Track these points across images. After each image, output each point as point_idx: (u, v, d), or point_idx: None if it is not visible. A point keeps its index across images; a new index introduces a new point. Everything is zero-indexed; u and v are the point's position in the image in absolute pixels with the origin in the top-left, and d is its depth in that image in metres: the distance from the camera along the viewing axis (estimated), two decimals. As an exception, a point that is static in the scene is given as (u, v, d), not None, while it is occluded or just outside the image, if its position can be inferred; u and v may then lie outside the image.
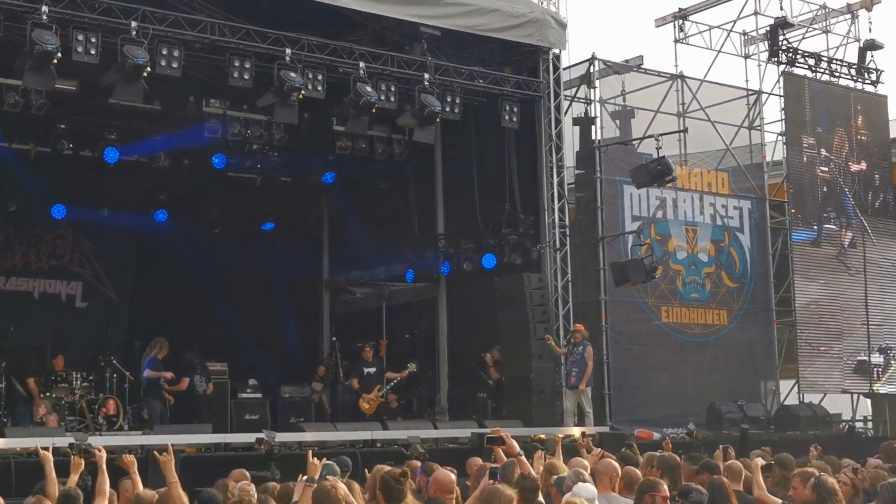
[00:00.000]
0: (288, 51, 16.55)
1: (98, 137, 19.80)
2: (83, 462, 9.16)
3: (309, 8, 16.76)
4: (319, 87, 16.87)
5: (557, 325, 18.78)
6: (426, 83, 17.68)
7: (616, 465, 9.03)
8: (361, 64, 17.20)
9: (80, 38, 14.88)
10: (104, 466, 8.73)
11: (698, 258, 21.53)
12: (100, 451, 9.01)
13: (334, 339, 21.91)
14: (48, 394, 17.52)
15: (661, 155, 18.80)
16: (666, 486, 8.01)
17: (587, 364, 18.01)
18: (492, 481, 8.69)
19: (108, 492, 8.49)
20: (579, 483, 8.08)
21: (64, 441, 13.03)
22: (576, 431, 16.92)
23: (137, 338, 20.32)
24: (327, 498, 6.59)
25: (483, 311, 19.85)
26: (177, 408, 18.90)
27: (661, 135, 19.18)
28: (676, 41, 22.59)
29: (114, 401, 17.68)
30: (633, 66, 21.94)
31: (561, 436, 16.08)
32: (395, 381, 19.51)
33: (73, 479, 8.95)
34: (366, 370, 19.64)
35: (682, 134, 20.93)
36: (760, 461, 9.64)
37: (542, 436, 14.07)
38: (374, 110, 17.39)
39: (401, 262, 22.50)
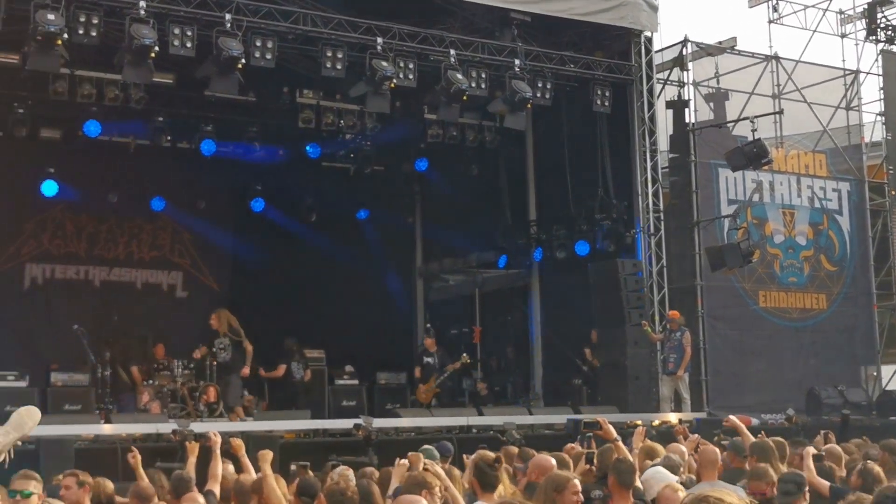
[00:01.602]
0: (379, 40, 16.65)
1: (195, 129, 20.15)
2: (197, 447, 9.39)
3: (400, -3, 16.88)
4: (411, 76, 16.94)
5: (652, 311, 18.63)
6: (517, 69, 17.66)
7: (717, 451, 8.94)
8: (452, 51, 17.24)
9: (177, 31, 15.16)
10: (218, 451, 8.93)
11: (796, 241, 21.20)
12: (215, 436, 9.23)
13: (428, 325, 22.02)
14: (151, 381, 17.90)
15: (756, 137, 18.60)
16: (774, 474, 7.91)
17: (685, 350, 17.88)
18: (588, 466, 8.72)
19: (220, 476, 8.67)
20: (652, 467, 8.07)
21: (167, 427, 13.41)
22: (672, 418, 16.83)
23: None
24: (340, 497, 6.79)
25: (577, 297, 19.78)
26: (274, 394, 19.20)
27: (757, 117, 18.97)
28: (771, 21, 22.22)
29: (214, 388, 17.93)
30: (727, 47, 21.63)
31: (657, 422, 16.12)
32: (448, 372, 19.46)
33: (191, 462, 9.18)
34: (425, 359, 19.68)
35: (777, 116, 20.62)
36: (812, 450, 9.46)
37: (639, 422, 14.03)
38: (465, 98, 17.41)
39: (493, 249, 22.54)
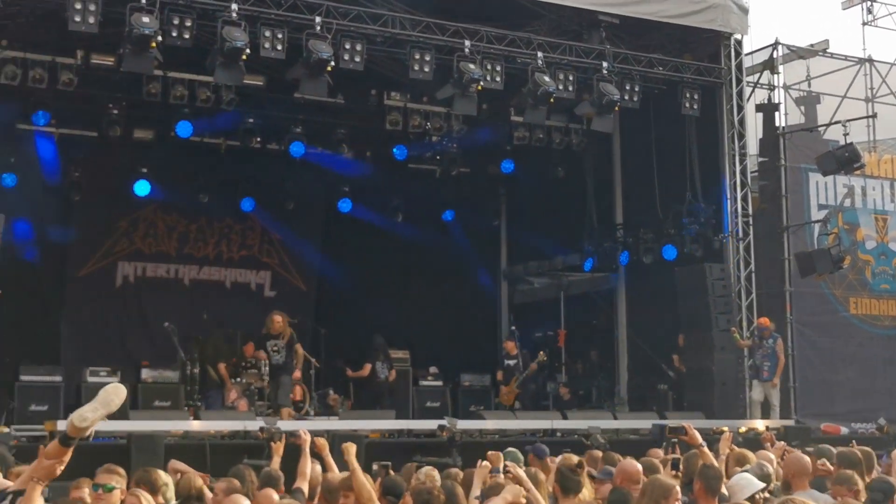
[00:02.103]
0: (467, 42, 16.70)
1: (284, 131, 20.39)
2: (283, 447, 9.51)
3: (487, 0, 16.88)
4: (498, 78, 16.96)
5: (740, 317, 18.42)
6: (604, 72, 17.58)
7: (808, 459, 8.80)
8: (539, 54, 17.21)
9: (268, 34, 15.37)
10: (307, 450, 9.04)
11: (888, 248, 20.80)
12: (304, 434, 9.34)
13: (513, 328, 22.00)
14: (238, 379, 18.15)
15: (848, 141, 18.29)
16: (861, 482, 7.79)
17: (779, 357, 17.67)
18: (674, 472, 8.65)
19: (308, 473, 8.77)
20: (740, 473, 7.97)
21: (255, 425, 13.61)
22: (759, 424, 16.62)
23: (324, 326, 20.87)
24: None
25: (663, 301, 19.63)
26: (359, 394, 19.34)
27: (849, 121, 18.65)
28: (864, 24, 21.82)
29: (300, 387, 18.15)
30: (819, 50, 21.28)
31: (743, 429, 15.94)
32: (529, 373, 19.40)
33: (276, 461, 9.30)
34: (507, 362, 19.66)
35: (870, 119, 20.23)
36: None
37: (725, 428, 13.88)
38: (552, 100, 17.38)
39: (579, 252, 22.45)
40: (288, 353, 16.84)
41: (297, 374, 17.59)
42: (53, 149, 19.58)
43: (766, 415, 17.62)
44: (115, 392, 5.22)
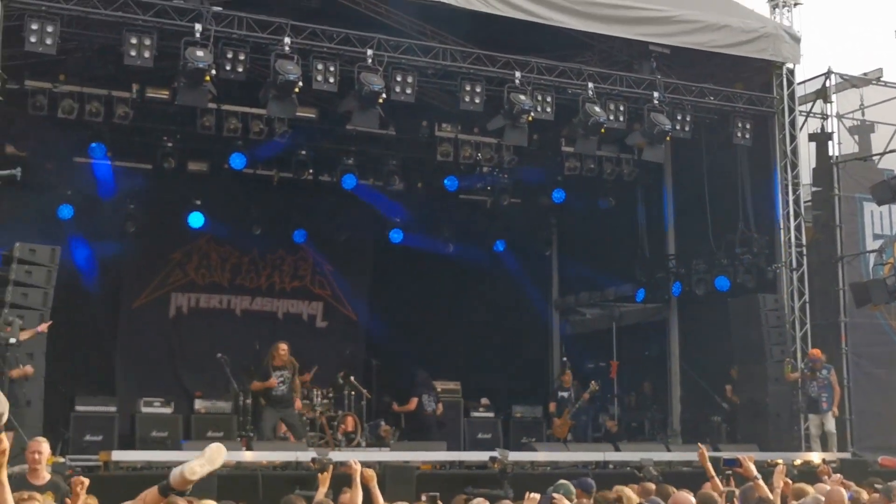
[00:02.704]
0: (517, 74, 16.77)
1: (336, 163, 20.53)
2: (329, 478, 9.53)
3: (538, 31, 16.93)
4: (548, 109, 17.01)
5: (794, 348, 18.24)
6: (655, 102, 17.57)
7: (843, 492, 8.70)
8: (590, 84, 17.25)
9: (320, 67, 15.53)
10: (358, 479, 9.05)
11: (945, 278, 20.48)
12: (355, 464, 9.36)
13: (564, 359, 21.93)
14: (290, 410, 18.20)
15: (903, 170, 18.12)
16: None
17: (834, 388, 17.49)
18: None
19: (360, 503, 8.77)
20: None
21: (306, 456, 13.64)
22: (814, 457, 16.41)
23: (375, 356, 20.92)
24: None
25: (716, 332, 19.48)
26: (409, 426, 19.31)
27: (904, 149, 18.48)
28: (919, 52, 21.66)
29: (352, 418, 18.20)
30: (873, 78, 21.14)
31: (798, 462, 15.74)
32: (580, 404, 19.31)
33: (322, 491, 9.31)
34: (560, 394, 19.57)
35: (925, 148, 20.06)
36: None
37: (780, 461, 13.72)
38: (602, 130, 17.40)
39: (630, 283, 22.36)
40: (291, 386, 16.50)
41: (298, 404, 17.30)
42: (110, 181, 19.82)
43: (825, 447, 17.39)
44: (218, 451, 5.51)
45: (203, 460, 5.42)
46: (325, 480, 9.50)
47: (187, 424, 17.26)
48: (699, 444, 10.68)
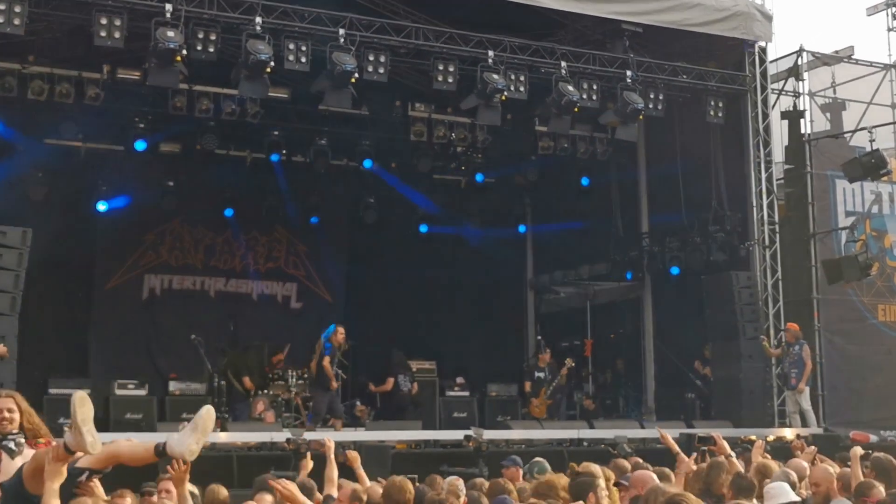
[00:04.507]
0: (490, 53, 16.73)
1: (309, 143, 20.48)
2: (310, 464, 9.56)
3: (510, 10, 16.87)
4: (522, 88, 16.99)
5: (767, 325, 18.34)
6: (629, 80, 17.56)
7: (831, 470, 8.76)
8: (563, 63, 17.22)
9: (291, 46, 15.45)
10: (332, 457, 9.07)
11: (917, 254, 20.66)
12: (329, 441, 9.38)
13: (539, 338, 21.97)
14: (265, 391, 18.20)
15: (874, 148, 18.20)
16: (882, 489, 7.75)
17: (806, 363, 17.58)
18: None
19: (336, 479, 8.80)
20: (772, 483, 7.93)
21: (281, 436, 13.64)
22: (788, 433, 16.53)
23: (351, 337, 20.88)
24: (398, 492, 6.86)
25: (690, 310, 19.58)
26: (385, 406, 19.33)
27: (875, 127, 18.57)
28: (890, 29, 21.70)
29: (327, 398, 18.17)
30: (844, 56, 21.20)
31: (771, 438, 15.84)
32: (557, 382, 19.38)
33: (304, 475, 9.35)
34: (536, 374, 19.63)
35: (896, 125, 20.17)
36: (858, 450, 9.24)
37: (753, 437, 13.83)
38: (576, 109, 17.38)
39: (605, 262, 22.41)
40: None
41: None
42: (81, 162, 19.71)
43: (803, 422, 17.51)
44: (208, 417, 5.49)
45: (198, 434, 5.44)
46: (305, 466, 9.54)
47: (162, 406, 17.21)
48: (658, 428, 10.72)
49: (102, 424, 16.47)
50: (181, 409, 17.09)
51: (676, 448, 9.62)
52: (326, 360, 16.65)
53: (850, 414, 19.01)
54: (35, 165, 19.22)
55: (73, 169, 19.69)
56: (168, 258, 21.96)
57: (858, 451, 9.17)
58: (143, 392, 17.21)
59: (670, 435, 15.53)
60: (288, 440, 13.00)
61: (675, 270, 20.46)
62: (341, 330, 16.98)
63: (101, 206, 20.49)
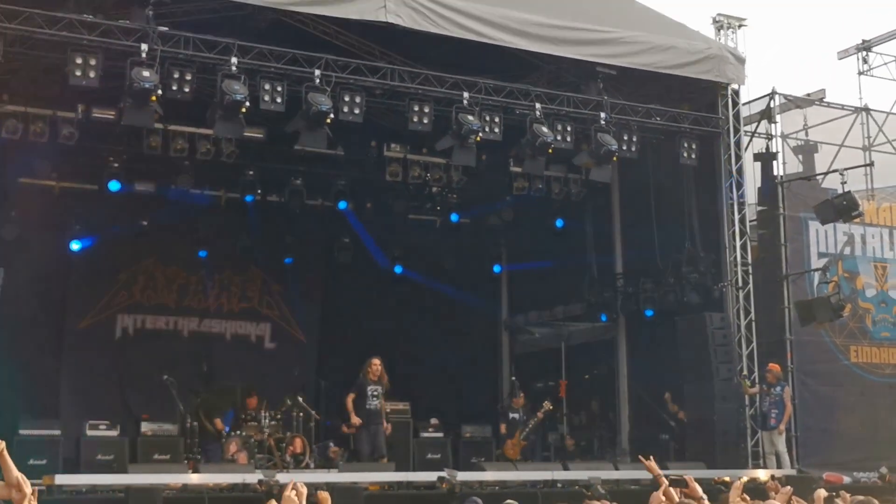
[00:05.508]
0: (466, 94, 16.80)
1: (284, 183, 20.49)
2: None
3: (486, 51, 16.99)
4: (496, 129, 17.05)
5: (741, 366, 18.38)
6: (603, 122, 17.66)
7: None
8: (538, 105, 17.32)
9: (267, 87, 15.46)
10: (303, 502, 8.97)
11: (888, 296, 20.81)
12: (301, 487, 9.29)
13: (513, 378, 21.93)
14: (238, 432, 18.07)
15: (846, 190, 18.36)
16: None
17: (786, 405, 17.62)
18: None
19: None
20: None
21: (253, 478, 13.54)
22: (762, 474, 16.52)
23: (324, 378, 20.82)
24: None
25: (664, 351, 19.60)
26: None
27: (847, 169, 18.74)
28: (860, 73, 22.01)
29: (300, 439, 18.08)
30: (816, 99, 21.45)
31: (745, 479, 15.82)
32: (533, 424, 19.38)
33: None
34: (510, 415, 19.61)
35: (868, 168, 20.35)
36: (823, 492, 9.26)
37: (727, 478, 13.82)
38: (550, 150, 17.46)
39: (579, 302, 22.44)
40: (381, 403, 17.17)
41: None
42: (54, 202, 19.64)
43: (778, 464, 17.51)
44: None
45: None
46: None
47: (133, 447, 17.06)
48: (640, 457, 10.70)
49: (74, 465, 16.40)
50: (153, 450, 16.98)
51: (657, 470, 9.53)
52: (349, 397, 17.00)
53: (823, 455, 19.04)
54: (8, 204, 19.12)
55: (47, 208, 19.59)
56: (141, 298, 21.84)
57: (822, 493, 9.17)
58: (114, 433, 17.06)
59: (644, 477, 15.60)
60: (260, 482, 12.92)
61: (649, 312, 20.54)
62: (373, 361, 17.21)
63: (75, 246, 20.38)
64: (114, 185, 19.09)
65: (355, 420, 17.10)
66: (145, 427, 17.66)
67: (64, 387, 20.42)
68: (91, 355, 21.00)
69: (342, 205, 21.16)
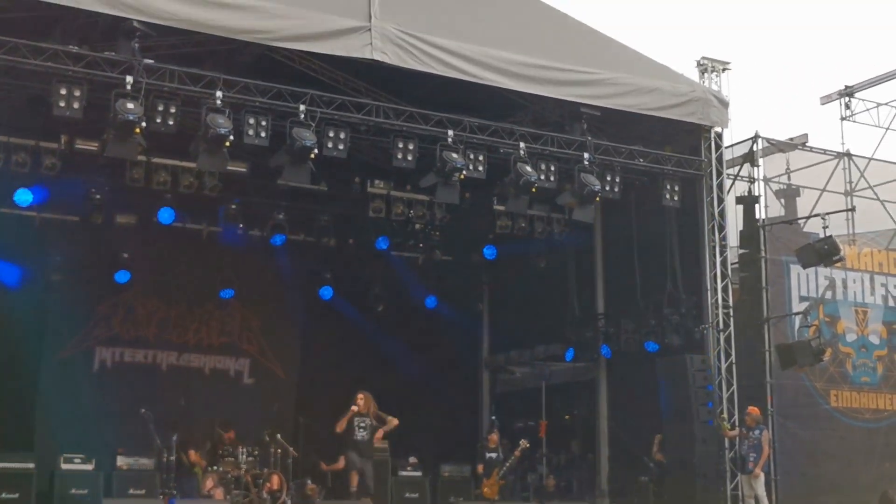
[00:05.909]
0: (450, 132, 16.82)
1: (267, 218, 20.44)
2: None
3: (471, 90, 17.03)
4: (480, 168, 17.07)
5: (721, 409, 18.35)
6: (586, 162, 17.71)
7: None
8: (522, 144, 17.35)
9: (252, 121, 15.43)
10: None
11: (869, 340, 20.86)
12: None
13: (493, 418, 21.87)
14: (215, 467, 17.91)
15: (828, 234, 18.44)
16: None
17: (763, 449, 17.57)
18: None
19: None
20: None
21: (229, 514, 13.37)
22: (741, 518, 16.48)
23: (302, 414, 20.67)
24: None
25: (644, 392, 19.55)
26: (337, 485, 19.08)
27: (828, 214, 18.84)
28: (843, 119, 22.16)
29: (277, 476, 17.90)
30: (798, 144, 21.57)
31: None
32: (511, 463, 19.31)
33: None
34: (488, 455, 19.51)
35: (849, 213, 20.44)
36: None
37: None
38: (533, 189, 17.47)
39: (560, 342, 22.40)
40: (371, 433, 17.41)
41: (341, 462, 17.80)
42: (35, 232, 19.53)
43: (755, 509, 17.48)
44: None
45: None
46: None
47: (108, 481, 16.89)
48: None
49: (47, 499, 16.21)
50: (128, 484, 16.81)
51: None
52: (338, 425, 17.37)
53: (802, 499, 19.03)
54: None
55: (28, 239, 19.48)
56: (120, 330, 21.73)
57: None
58: (89, 467, 16.89)
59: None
60: (236, 518, 12.79)
61: (629, 353, 20.50)
62: (357, 396, 17.57)
63: (55, 277, 20.25)
64: (95, 217, 18.99)
65: (337, 466, 17.62)
66: (121, 461, 17.51)
67: (39, 419, 20.22)
68: (68, 387, 20.79)
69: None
